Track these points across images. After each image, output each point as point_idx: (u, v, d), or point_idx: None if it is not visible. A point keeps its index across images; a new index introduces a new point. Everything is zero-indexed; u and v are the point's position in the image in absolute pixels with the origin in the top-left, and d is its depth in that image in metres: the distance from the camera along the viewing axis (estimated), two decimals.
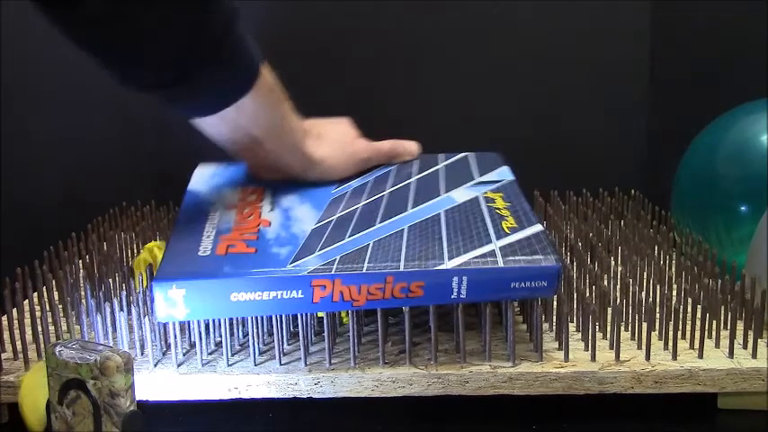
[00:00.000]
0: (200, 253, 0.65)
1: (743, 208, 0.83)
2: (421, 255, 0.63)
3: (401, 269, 0.61)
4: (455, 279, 0.61)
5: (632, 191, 0.99)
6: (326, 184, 0.77)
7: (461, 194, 0.74)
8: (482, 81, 1.14)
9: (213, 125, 0.68)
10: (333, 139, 0.77)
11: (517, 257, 0.62)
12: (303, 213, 0.72)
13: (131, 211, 0.99)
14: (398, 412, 0.64)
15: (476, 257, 0.62)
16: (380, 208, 0.72)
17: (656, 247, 0.84)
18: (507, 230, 0.66)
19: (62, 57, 1.10)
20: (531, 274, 0.62)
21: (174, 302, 0.60)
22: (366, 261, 0.62)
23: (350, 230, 0.68)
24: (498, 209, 0.71)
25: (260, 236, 0.67)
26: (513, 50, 1.14)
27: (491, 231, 0.66)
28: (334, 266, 0.62)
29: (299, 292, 0.61)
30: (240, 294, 0.61)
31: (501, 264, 0.62)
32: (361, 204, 0.73)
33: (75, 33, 0.59)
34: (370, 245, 0.65)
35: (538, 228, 0.67)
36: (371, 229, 0.68)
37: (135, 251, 0.89)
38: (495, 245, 0.64)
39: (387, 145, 0.82)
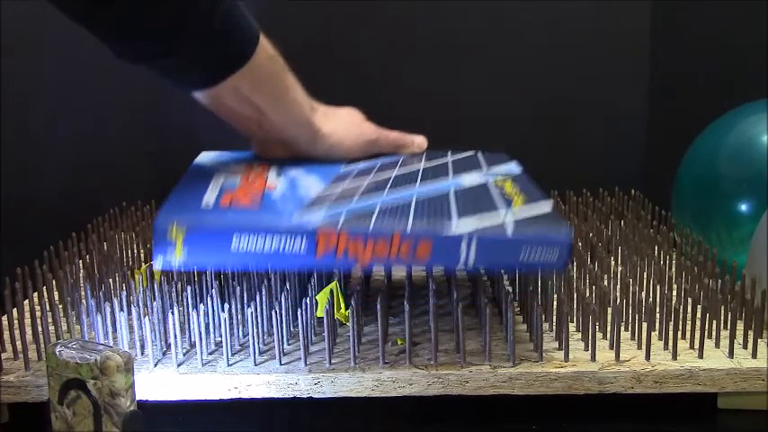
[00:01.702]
0: (202, 204, 0.63)
1: (743, 208, 0.83)
2: (430, 219, 0.61)
3: (409, 230, 0.59)
4: (464, 242, 0.59)
5: (632, 191, 0.99)
6: (333, 162, 0.75)
7: (470, 179, 0.73)
8: (482, 82, 1.14)
9: (216, 97, 0.68)
10: (341, 118, 0.77)
11: (528, 227, 0.61)
12: (310, 182, 0.70)
13: (131, 211, 0.99)
14: (398, 412, 0.64)
15: (486, 225, 0.60)
16: (388, 183, 0.70)
17: (656, 247, 0.84)
18: (517, 206, 0.65)
19: (62, 57, 1.11)
20: (542, 242, 0.60)
21: (172, 244, 0.58)
22: (373, 220, 0.60)
23: (357, 196, 0.66)
24: (507, 192, 0.69)
25: (264, 196, 0.66)
26: (514, 51, 1.14)
27: (501, 206, 0.64)
28: (341, 221, 0.59)
29: (303, 244, 0.58)
30: (241, 242, 0.58)
31: (511, 232, 0.60)
32: (369, 180, 0.71)
33: (71, 7, 0.60)
34: (378, 207, 0.63)
35: (549, 204, 0.65)
36: (379, 197, 0.66)
37: (135, 251, 0.89)
38: (506, 216, 0.62)
39: (395, 133, 0.81)
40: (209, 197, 0.64)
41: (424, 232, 0.59)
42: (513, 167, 0.78)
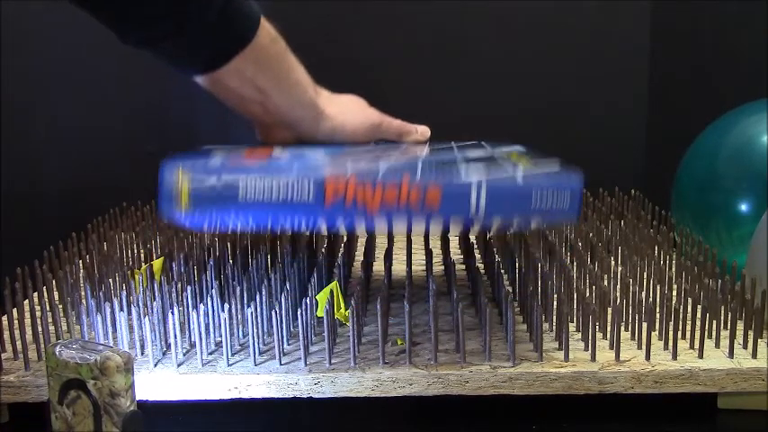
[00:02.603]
0: (209, 163, 0.61)
1: (743, 208, 0.83)
2: (438, 171, 0.60)
3: (418, 177, 0.58)
4: (474, 189, 0.58)
5: (632, 191, 0.99)
6: (337, 145, 0.74)
7: (476, 153, 0.72)
8: (482, 82, 1.14)
9: (220, 81, 0.68)
10: (344, 101, 0.77)
11: (537, 175, 0.60)
12: (316, 154, 0.68)
13: (131, 211, 0.99)
14: (398, 412, 0.64)
15: (495, 176, 0.60)
16: (394, 156, 0.69)
17: (656, 247, 0.84)
18: (525, 166, 0.64)
19: (62, 57, 1.11)
20: (552, 186, 0.59)
21: (178, 193, 0.57)
22: (382, 170, 0.59)
23: (364, 162, 0.64)
24: (514, 160, 0.68)
25: (271, 158, 0.65)
26: (514, 51, 1.14)
27: (509, 166, 0.63)
28: (349, 169, 0.58)
29: (311, 192, 0.57)
30: (248, 190, 0.57)
31: (520, 178, 0.59)
32: (374, 154, 0.70)
33: None
34: (386, 166, 0.62)
35: (556, 164, 0.64)
36: (387, 162, 0.64)
37: (135, 251, 0.89)
38: (515, 171, 0.61)
39: (399, 120, 0.81)
40: (216, 161, 0.63)
41: (434, 178, 0.58)
42: (518, 147, 0.78)
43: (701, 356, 0.64)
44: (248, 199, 0.57)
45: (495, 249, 0.85)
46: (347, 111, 0.76)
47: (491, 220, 0.59)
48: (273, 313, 0.64)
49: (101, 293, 0.69)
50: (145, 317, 0.65)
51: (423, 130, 0.82)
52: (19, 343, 0.65)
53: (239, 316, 0.69)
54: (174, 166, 0.58)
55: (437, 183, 0.58)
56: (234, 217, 0.58)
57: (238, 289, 0.70)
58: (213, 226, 0.61)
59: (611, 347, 0.65)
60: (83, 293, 0.73)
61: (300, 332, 0.64)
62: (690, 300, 0.68)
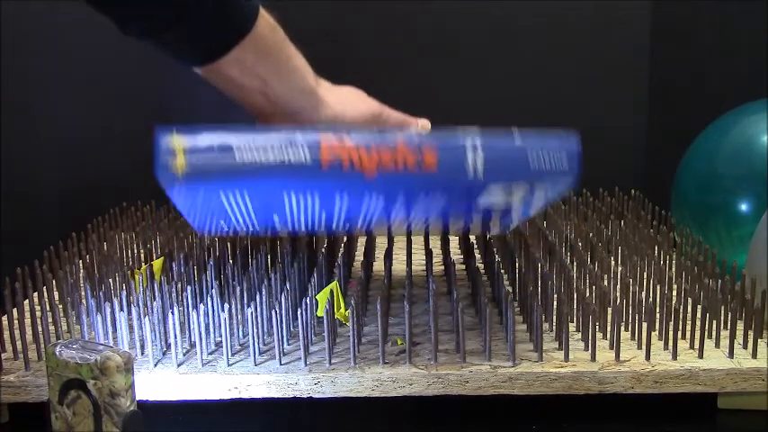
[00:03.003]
0: (205, 128, 0.60)
1: (743, 208, 0.83)
2: (433, 135, 0.60)
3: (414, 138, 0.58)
4: (470, 151, 0.58)
5: (632, 191, 0.99)
6: None
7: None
8: (482, 82, 1.14)
9: (220, 71, 0.68)
10: (345, 92, 0.77)
11: (534, 135, 0.60)
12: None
13: (131, 211, 0.99)
14: (398, 412, 0.64)
15: (492, 138, 0.59)
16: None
17: (656, 247, 0.84)
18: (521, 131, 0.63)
19: (62, 57, 1.11)
20: (550, 147, 0.59)
21: (173, 153, 0.56)
22: (375, 136, 0.59)
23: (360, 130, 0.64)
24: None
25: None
26: (514, 51, 1.14)
27: (504, 131, 0.63)
28: (343, 134, 0.58)
29: (307, 154, 0.56)
30: (244, 150, 0.56)
31: (518, 139, 0.59)
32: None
33: None
34: (380, 135, 0.61)
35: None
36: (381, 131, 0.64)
37: (135, 251, 0.89)
38: (511, 133, 0.61)
39: (398, 112, 0.81)
40: (211, 127, 0.61)
41: (430, 139, 0.58)
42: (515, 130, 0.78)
43: (700, 356, 0.64)
44: (245, 161, 0.56)
45: (495, 249, 0.85)
46: (347, 101, 0.76)
47: (490, 186, 0.58)
48: (273, 313, 0.64)
49: (101, 293, 0.69)
50: (145, 317, 0.65)
51: (423, 123, 0.82)
52: (19, 343, 0.65)
53: (239, 316, 0.69)
54: (169, 130, 0.56)
55: (433, 143, 0.57)
56: (233, 179, 0.57)
57: (238, 289, 0.70)
58: (213, 206, 0.60)
59: (611, 347, 0.65)
60: (83, 293, 0.73)
61: (300, 332, 0.64)
62: (690, 300, 0.68)
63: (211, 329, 0.67)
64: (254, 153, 0.56)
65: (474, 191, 0.59)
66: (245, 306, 0.69)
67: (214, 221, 0.68)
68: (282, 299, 0.67)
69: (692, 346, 0.66)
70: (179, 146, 0.56)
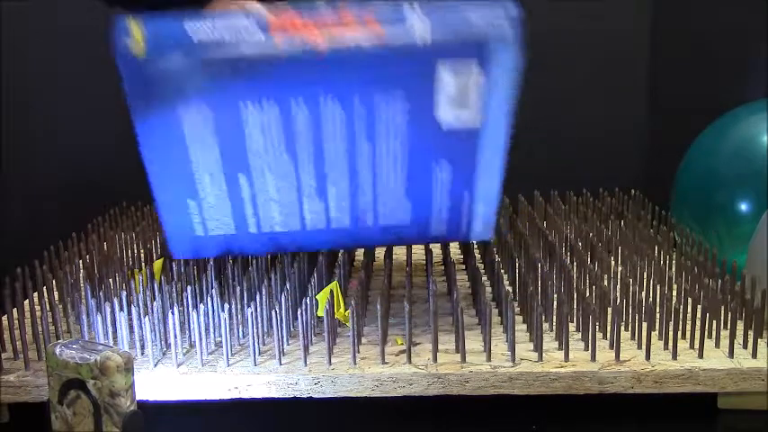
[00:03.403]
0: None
1: (743, 207, 0.83)
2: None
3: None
4: (414, 19, 0.58)
5: (632, 191, 0.99)
6: None
7: None
8: None
9: None
10: None
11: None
12: None
13: (131, 211, 0.99)
14: (398, 412, 0.64)
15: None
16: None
17: (656, 247, 0.84)
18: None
19: (62, 57, 1.11)
20: (491, 13, 0.59)
21: (131, 33, 0.57)
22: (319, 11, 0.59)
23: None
24: None
25: None
26: None
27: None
28: (289, 12, 0.58)
29: (260, 33, 0.56)
30: (199, 31, 0.56)
31: (458, 6, 0.59)
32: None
33: None
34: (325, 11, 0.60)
35: None
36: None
37: (135, 251, 0.89)
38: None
39: None
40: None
41: (372, 13, 0.58)
42: None
43: (701, 356, 0.64)
44: (202, 40, 0.56)
45: (494, 249, 0.85)
46: None
47: (439, 67, 0.58)
48: (273, 313, 0.64)
49: (101, 293, 0.69)
50: (145, 317, 0.65)
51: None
52: (19, 343, 0.65)
53: (239, 316, 0.69)
54: (127, 17, 0.57)
55: (376, 16, 0.58)
56: (193, 54, 0.57)
57: (238, 289, 0.70)
58: (170, 93, 0.60)
59: (611, 347, 0.65)
60: (83, 293, 0.73)
61: (300, 332, 0.64)
62: (690, 300, 0.68)
63: (211, 329, 0.67)
64: (208, 32, 0.56)
65: (427, 67, 0.58)
66: (245, 306, 0.69)
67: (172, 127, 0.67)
68: (282, 299, 0.68)
69: (692, 346, 0.66)
70: (137, 29, 0.57)
